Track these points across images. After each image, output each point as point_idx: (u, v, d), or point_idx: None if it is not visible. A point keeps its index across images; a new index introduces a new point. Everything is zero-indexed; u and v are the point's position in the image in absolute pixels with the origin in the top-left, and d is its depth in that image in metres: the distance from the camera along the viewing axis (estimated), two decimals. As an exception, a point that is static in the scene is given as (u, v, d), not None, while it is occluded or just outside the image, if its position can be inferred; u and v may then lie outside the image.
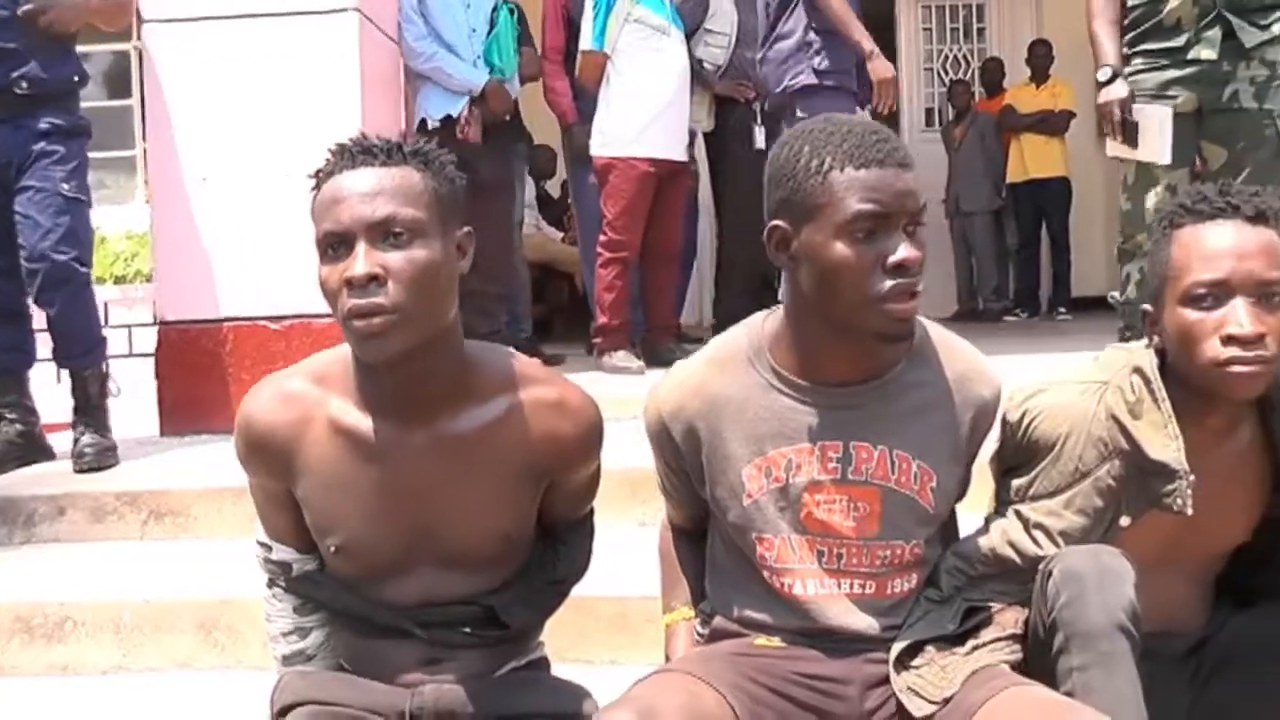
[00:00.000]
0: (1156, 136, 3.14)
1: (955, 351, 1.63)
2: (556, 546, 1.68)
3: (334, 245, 1.44)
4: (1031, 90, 7.51)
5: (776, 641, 1.61)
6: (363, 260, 1.41)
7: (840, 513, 1.58)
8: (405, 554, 1.57)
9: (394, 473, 1.54)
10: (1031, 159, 7.47)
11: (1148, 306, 1.61)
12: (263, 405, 1.59)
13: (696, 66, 4.63)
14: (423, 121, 4.33)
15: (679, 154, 4.20)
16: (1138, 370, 1.59)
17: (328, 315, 1.49)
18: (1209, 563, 1.70)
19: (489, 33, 4.29)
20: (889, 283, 1.44)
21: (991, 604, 1.62)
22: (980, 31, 8.34)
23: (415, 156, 1.49)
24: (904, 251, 1.44)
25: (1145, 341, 1.64)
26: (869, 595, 1.60)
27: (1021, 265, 7.76)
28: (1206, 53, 3.14)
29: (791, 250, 1.51)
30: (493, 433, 1.55)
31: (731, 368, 1.63)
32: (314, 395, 1.57)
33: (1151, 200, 3.22)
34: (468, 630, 1.59)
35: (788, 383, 1.59)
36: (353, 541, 1.57)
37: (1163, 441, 1.54)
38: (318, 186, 1.48)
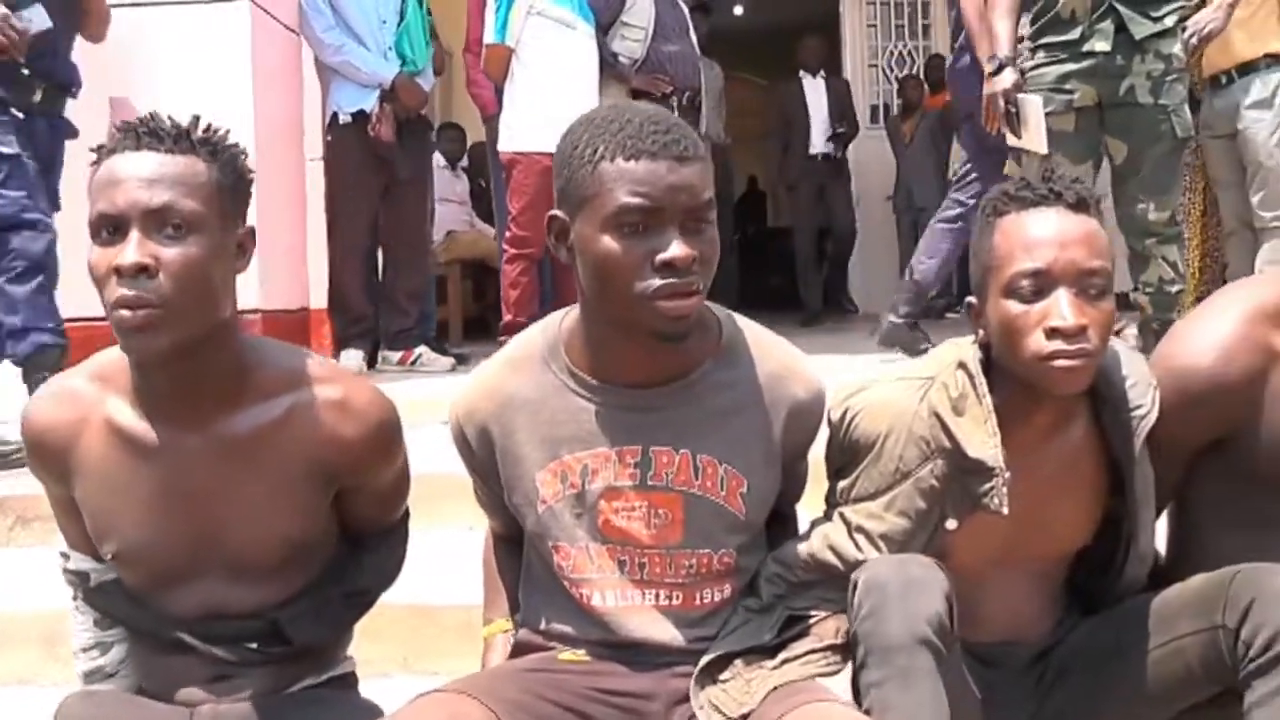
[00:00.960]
0: (1035, 126, 3.10)
1: (768, 350, 1.56)
2: (361, 556, 1.59)
3: (107, 229, 1.35)
4: None
5: (581, 655, 1.54)
6: (134, 249, 1.33)
7: (640, 520, 1.51)
8: (187, 562, 1.48)
9: (170, 475, 1.45)
10: (977, 152, 7.37)
11: (972, 299, 1.54)
12: (41, 405, 1.51)
13: (612, 60, 4.55)
14: (334, 116, 4.23)
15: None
16: (962, 365, 1.52)
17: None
18: (1050, 566, 1.62)
19: (399, 23, 4.19)
20: (658, 281, 1.36)
21: (815, 613, 1.55)
22: (925, 28, 8.30)
23: (204, 145, 1.41)
24: (675, 249, 1.36)
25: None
26: (676, 606, 1.53)
27: (965, 261, 7.69)
28: (1100, 45, 3.11)
29: (568, 242, 1.44)
30: (273, 433, 1.46)
31: (527, 368, 1.55)
32: (92, 394, 1.48)
33: None
34: (254, 646, 1.51)
35: (583, 383, 1.51)
36: (129, 548, 1.48)
37: (981, 438, 1.47)
38: (97, 163, 1.39)
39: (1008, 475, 1.45)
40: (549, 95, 4.06)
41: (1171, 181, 3.22)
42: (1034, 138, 3.15)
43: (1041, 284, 1.43)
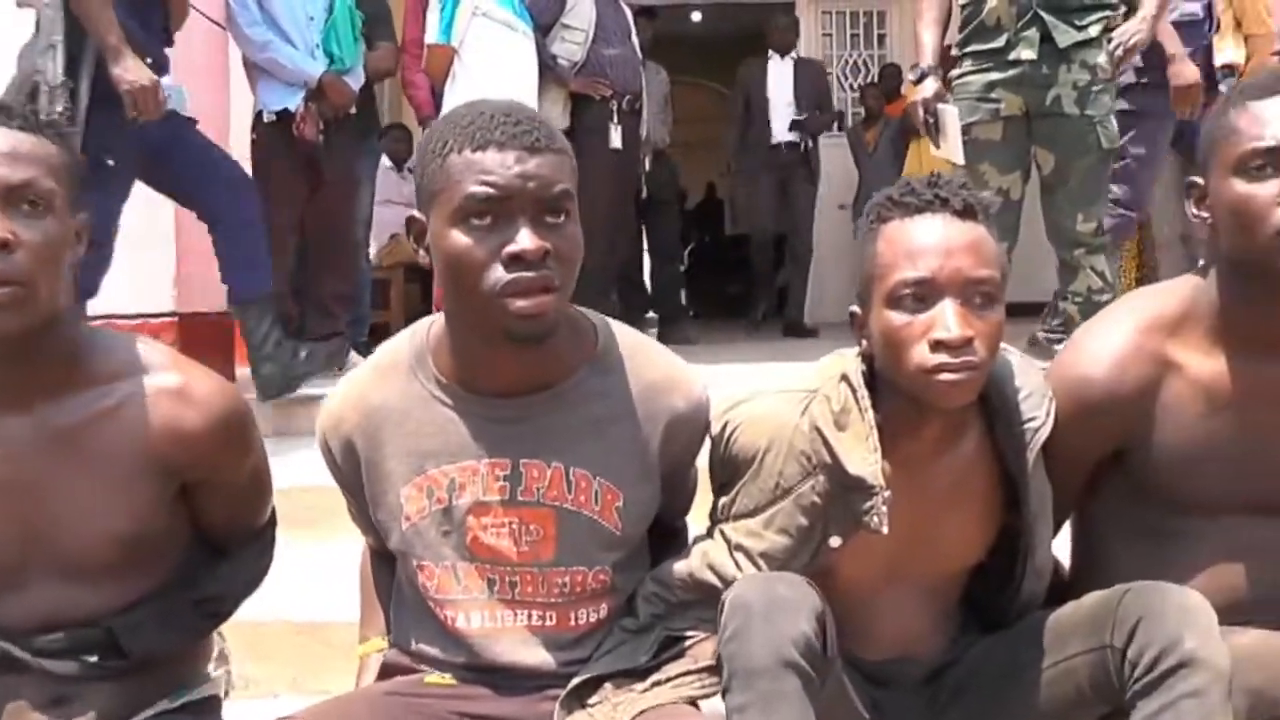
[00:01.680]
0: (953, 137, 3.09)
1: (647, 359, 1.50)
2: (217, 562, 1.51)
3: None
4: None
5: (448, 679, 1.48)
6: None
7: (510, 537, 1.45)
8: (18, 563, 1.39)
9: None
10: (929, 159, 7.33)
11: (855, 309, 1.48)
12: None
13: (551, 63, 4.48)
14: (259, 114, 4.13)
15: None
16: (844, 377, 1.46)
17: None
18: (942, 583, 1.57)
19: (327, 21, 4.10)
20: (508, 276, 1.30)
21: (693, 633, 1.49)
22: (881, 38, 8.28)
23: (49, 127, 1.37)
24: (524, 241, 1.30)
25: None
26: (550, 627, 1.47)
27: None
28: (1026, 53, 3.09)
29: (426, 243, 1.38)
30: (104, 423, 1.38)
31: (393, 376, 1.48)
32: None
33: None
34: (93, 660, 1.41)
35: (450, 393, 1.45)
36: None
37: (862, 455, 1.41)
38: None
39: (888, 494, 1.40)
40: (488, 97, 3.99)
41: (1099, 192, 3.20)
42: (952, 148, 3.14)
43: (926, 294, 1.37)
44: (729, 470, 1.53)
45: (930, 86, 3.18)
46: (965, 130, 3.14)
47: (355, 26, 4.18)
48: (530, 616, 1.46)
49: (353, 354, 4.31)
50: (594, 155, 4.56)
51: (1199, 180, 1.51)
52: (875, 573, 1.50)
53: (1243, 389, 1.48)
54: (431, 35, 4.12)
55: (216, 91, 4.12)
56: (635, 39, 4.80)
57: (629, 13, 4.82)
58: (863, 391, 1.43)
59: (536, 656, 1.46)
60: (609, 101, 4.56)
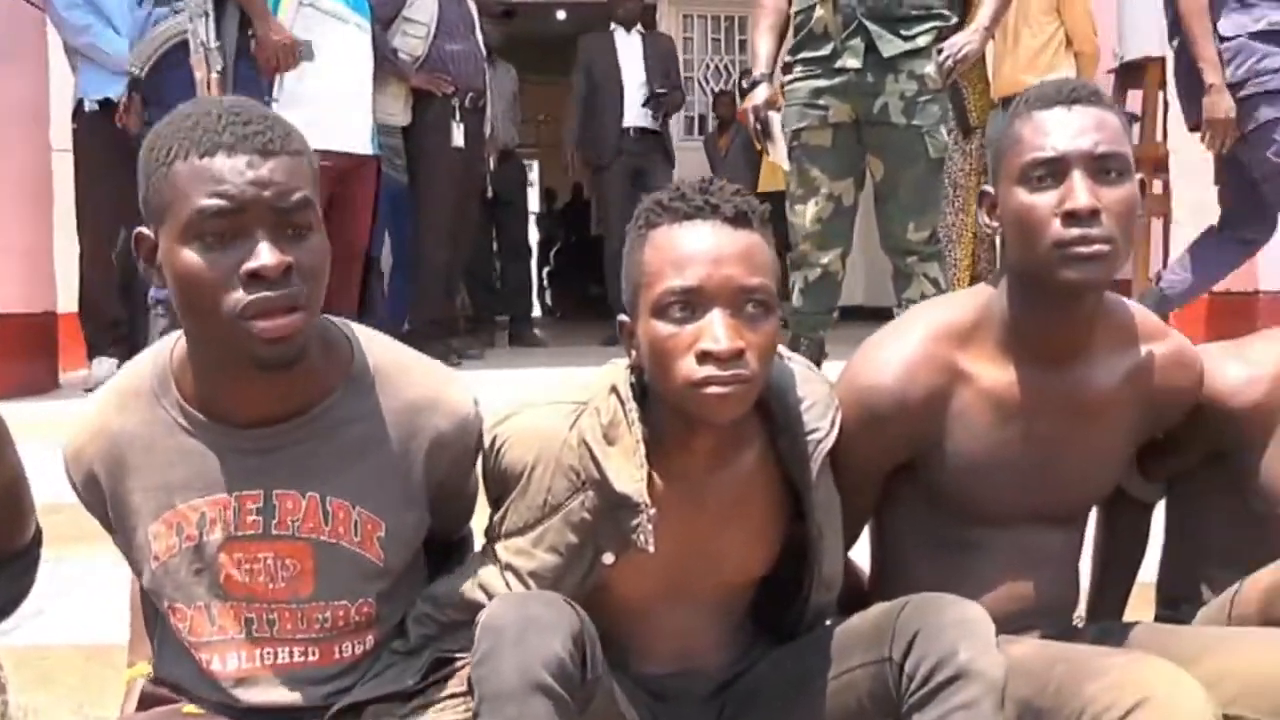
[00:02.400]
0: (781, 143, 3.12)
1: (406, 379, 1.42)
2: None
3: None
4: None
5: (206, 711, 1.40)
6: None
7: (265, 573, 1.38)
8: None
9: None
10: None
11: (624, 317, 1.43)
12: None
13: (392, 57, 4.38)
14: (80, 102, 3.94)
15: (359, 147, 3.93)
16: (614, 389, 1.41)
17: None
18: (728, 596, 1.54)
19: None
20: (248, 297, 1.21)
21: (465, 655, 1.42)
22: (743, 43, 8.34)
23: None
24: (263, 257, 1.21)
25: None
26: (312, 663, 1.40)
27: None
28: (851, 62, 3.10)
29: (157, 262, 1.27)
30: None
31: (134, 402, 1.38)
32: None
33: (811, 210, 3.15)
34: None
35: (195, 421, 1.36)
36: None
37: (629, 471, 1.37)
38: None
39: (653, 512, 1.36)
40: (319, 92, 3.87)
41: (930, 201, 3.22)
42: (780, 154, 3.16)
43: (694, 303, 1.33)
44: (499, 486, 1.48)
45: (762, 93, 3.18)
46: (795, 136, 3.15)
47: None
48: (291, 654, 1.40)
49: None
50: (436, 153, 4.48)
51: (989, 189, 1.52)
52: (654, 588, 1.47)
53: (1031, 399, 1.50)
54: (266, 26, 3.97)
55: (32, 77, 3.91)
56: (479, 35, 4.72)
57: (473, 8, 4.74)
58: (631, 404, 1.39)
59: (296, 694, 1.39)
60: (451, 98, 4.48)
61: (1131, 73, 4.78)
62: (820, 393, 1.48)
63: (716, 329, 1.31)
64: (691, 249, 1.34)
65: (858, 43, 3.09)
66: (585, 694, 1.28)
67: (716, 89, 8.13)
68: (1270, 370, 1.60)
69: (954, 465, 1.51)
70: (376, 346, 1.42)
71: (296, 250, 1.23)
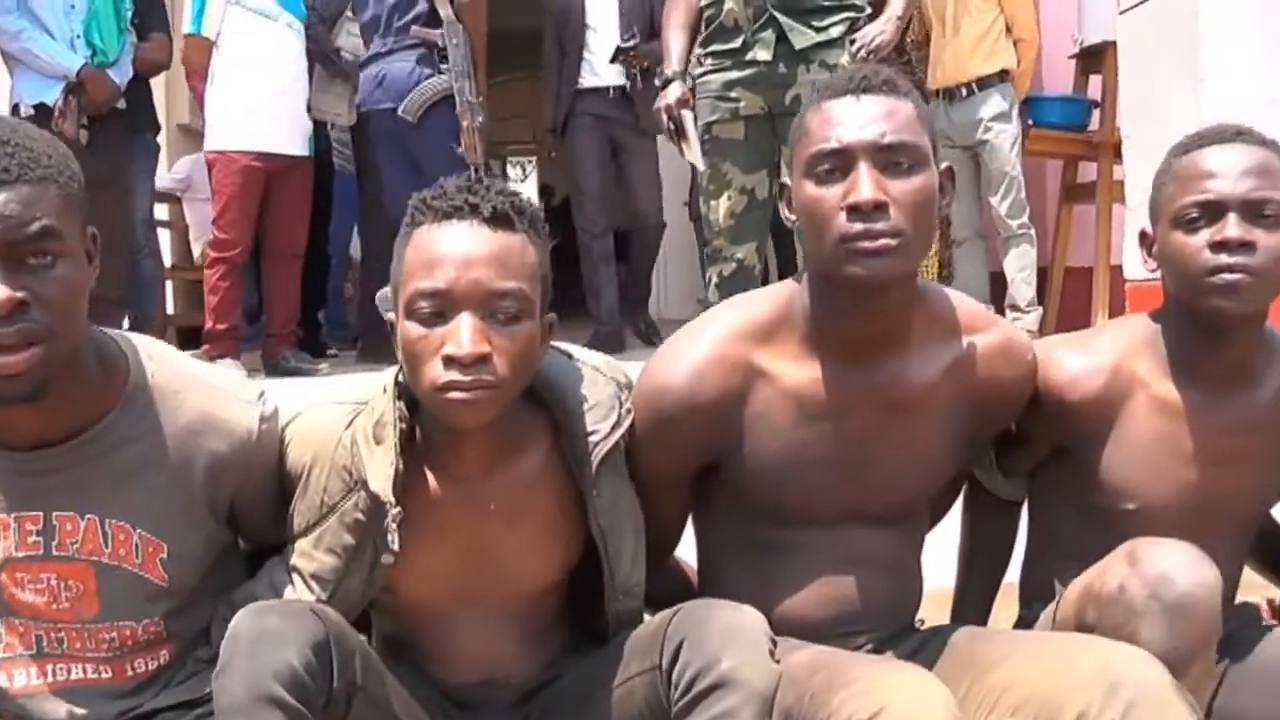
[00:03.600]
0: (695, 140, 3.08)
1: (182, 399, 1.40)
2: None
3: None
4: None
5: None
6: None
7: (49, 594, 1.36)
8: None
9: None
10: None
11: (392, 315, 1.40)
12: None
13: (336, 57, 4.36)
14: (15, 108, 3.94)
15: (293, 148, 3.92)
16: (386, 388, 1.39)
17: None
18: (526, 603, 1.50)
19: (88, 10, 3.91)
20: None
21: None
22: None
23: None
24: None
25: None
26: (105, 680, 1.40)
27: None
28: (762, 54, 3.06)
29: None
30: None
31: None
32: None
33: (724, 204, 3.11)
34: None
35: None
36: None
37: (383, 471, 1.35)
38: None
39: (397, 511, 1.34)
40: (247, 91, 3.86)
41: None
42: (694, 153, 3.11)
43: (443, 307, 1.30)
44: (290, 486, 1.46)
45: (674, 92, 3.13)
46: (707, 129, 3.11)
47: (121, 16, 4.01)
48: (84, 670, 1.39)
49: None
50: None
51: (787, 182, 1.48)
52: (443, 592, 1.45)
53: (837, 397, 1.45)
54: (185, 26, 3.99)
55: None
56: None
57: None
58: (396, 404, 1.37)
59: (90, 711, 1.38)
60: (394, 98, 4.44)
61: (1091, 58, 4.69)
62: (604, 394, 1.44)
63: (461, 333, 1.29)
64: (443, 250, 1.32)
65: (769, 34, 3.05)
66: (334, 704, 1.26)
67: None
68: (1109, 361, 1.55)
69: (758, 466, 1.46)
70: (157, 364, 1.39)
71: (36, 282, 1.21)
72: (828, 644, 1.45)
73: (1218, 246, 1.46)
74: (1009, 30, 4.34)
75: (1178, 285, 1.53)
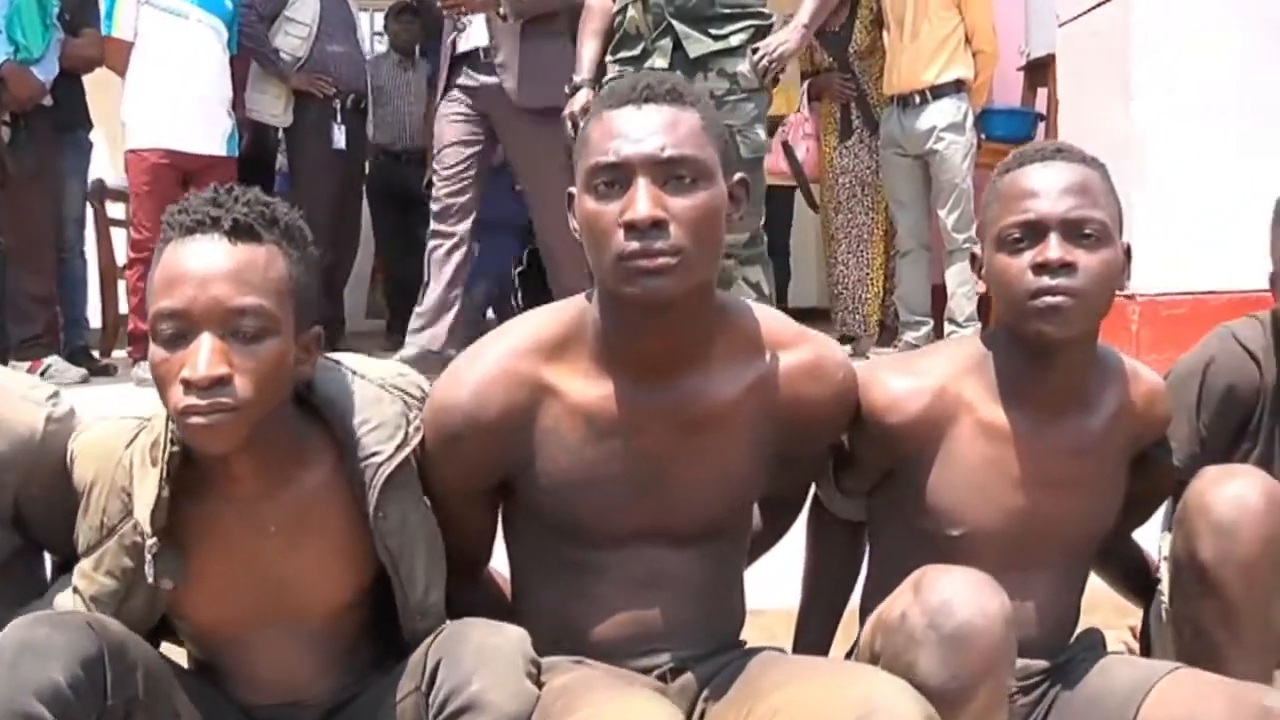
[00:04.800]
0: None
1: None
2: None
3: None
4: None
5: None
6: None
7: None
8: None
9: None
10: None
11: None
12: None
13: (273, 57, 4.33)
14: (-67, 104, 3.90)
15: (210, 147, 3.88)
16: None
17: None
18: (323, 622, 1.45)
19: (9, 6, 3.86)
20: None
21: None
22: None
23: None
24: None
25: None
26: None
27: None
28: (659, 62, 3.03)
29: None
30: None
31: None
32: None
33: None
34: None
35: None
36: None
37: (148, 498, 1.30)
38: None
39: (153, 544, 1.30)
40: (158, 89, 3.82)
41: (753, 202, 3.12)
42: None
43: (183, 327, 1.26)
44: (77, 499, 1.41)
45: (580, 100, 3.11)
46: None
47: (46, 12, 3.96)
48: None
49: (55, 359, 4.11)
50: (316, 154, 4.43)
51: (573, 191, 1.42)
52: (234, 616, 1.40)
53: (630, 414, 1.39)
54: (103, 27, 3.95)
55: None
56: (360, 35, 4.66)
57: (354, 9, 4.67)
58: (169, 425, 1.32)
59: None
60: (332, 100, 4.41)
61: (1038, 71, 4.66)
62: (388, 412, 1.39)
63: (196, 356, 1.24)
64: (182, 268, 1.27)
65: (666, 43, 3.03)
66: None
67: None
68: (933, 383, 1.50)
69: (549, 484, 1.41)
70: None
71: None
72: (629, 664, 1.41)
73: (1039, 268, 1.41)
74: (969, 40, 4.28)
75: (1002, 308, 1.48)
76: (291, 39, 4.37)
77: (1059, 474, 1.50)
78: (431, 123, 5.71)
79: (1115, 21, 3.65)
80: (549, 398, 1.40)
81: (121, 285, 5.33)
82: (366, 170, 5.03)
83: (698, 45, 2.99)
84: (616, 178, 1.31)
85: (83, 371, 4.11)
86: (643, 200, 1.28)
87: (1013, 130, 4.70)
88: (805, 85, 4.99)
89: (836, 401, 1.47)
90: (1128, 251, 1.51)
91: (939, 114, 4.27)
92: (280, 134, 4.69)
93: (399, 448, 1.37)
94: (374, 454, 1.36)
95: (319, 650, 1.45)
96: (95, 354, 4.44)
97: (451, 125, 3.63)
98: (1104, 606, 1.86)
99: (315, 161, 4.41)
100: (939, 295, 4.47)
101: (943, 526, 1.50)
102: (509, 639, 1.27)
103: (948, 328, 4.28)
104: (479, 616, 1.54)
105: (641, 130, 1.31)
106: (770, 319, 1.47)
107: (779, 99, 6.16)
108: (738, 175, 1.40)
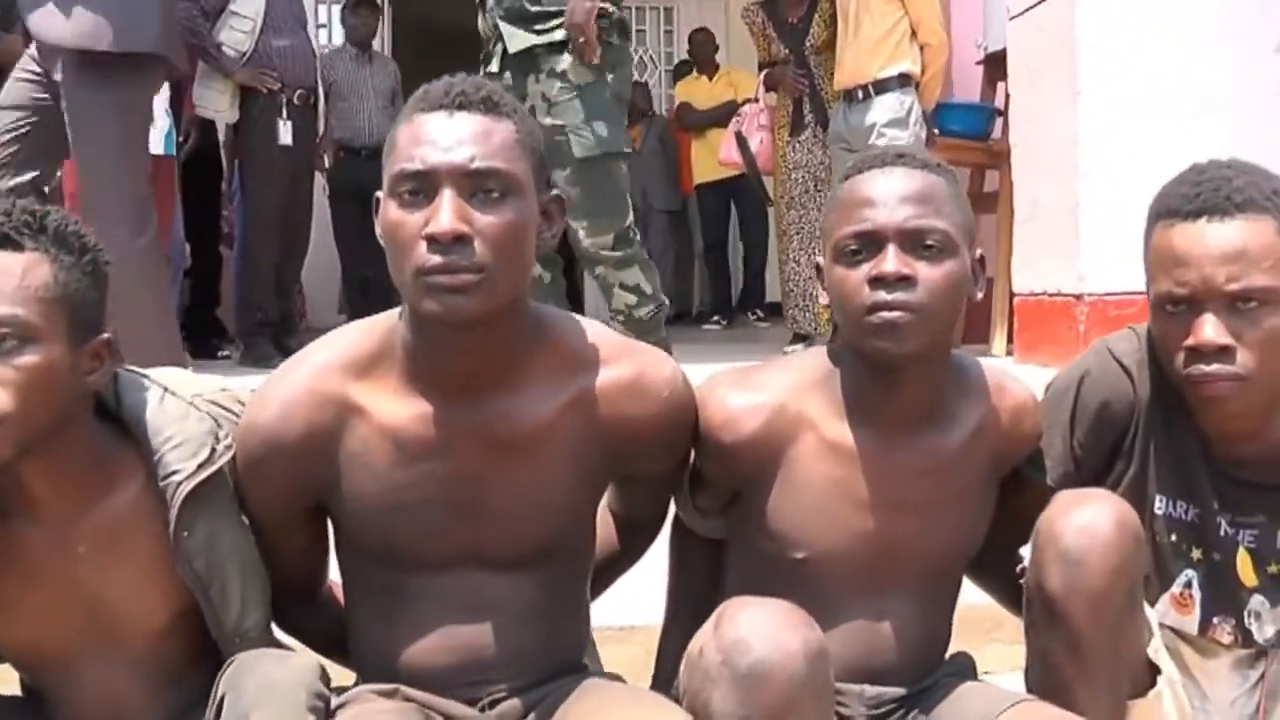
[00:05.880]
0: None
1: None
2: None
3: None
4: (705, 84, 7.13)
5: None
6: None
7: None
8: None
9: None
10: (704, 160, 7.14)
11: None
12: None
13: (216, 52, 4.28)
14: None
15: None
16: None
17: None
18: (137, 649, 1.42)
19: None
20: None
21: None
22: (667, 35, 8.17)
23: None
24: None
25: None
26: None
27: (713, 268, 7.38)
28: (493, 66, 3.03)
29: None
30: None
31: None
32: None
33: None
34: None
35: None
36: None
37: None
38: None
39: None
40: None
41: (596, 203, 3.02)
42: None
43: None
44: None
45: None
46: None
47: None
48: None
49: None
50: (262, 151, 4.38)
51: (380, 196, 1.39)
52: (50, 639, 1.38)
53: (439, 435, 1.35)
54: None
55: None
56: (310, 29, 4.61)
57: (303, 2, 4.62)
58: None
59: None
60: (278, 95, 4.36)
61: (996, 64, 4.58)
62: (195, 430, 1.36)
63: None
64: None
65: (498, 46, 3.01)
66: None
67: (641, 80, 7.92)
68: (772, 400, 1.45)
69: (360, 508, 1.37)
70: None
71: None
72: (451, 693, 1.38)
73: (875, 282, 1.35)
74: (914, 34, 4.22)
75: (841, 323, 1.42)
76: (235, 33, 4.31)
77: (911, 494, 1.45)
78: (391, 119, 5.77)
79: (1061, 16, 3.60)
80: (356, 418, 1.35)
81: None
82: (327, 167, 4.99)
83: (515, 40, 2.95)
84: (421, 187, 1.26)
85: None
86: (446, 213, 1.23)
87: (969, 125, 4.65)
88: (761, 75, 4.96)
89: (663, 419, 1.41)
90: (981, 261, 1.46)
91: (881, 109, 4.23)
92: (229, 130, 4.66)
93: (202, 466, 1.34)
94: (175, 472, 1.33)
95: (145, 675, 1.42)
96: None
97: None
98: (1010, 623, 1.81)
99: (261, 158, 4.36)
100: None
101: (786, 549, 1.45)
102: (292, 672, 1.24)
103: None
104: (317, 638, 1.54)
105: (451, 139, 1.26)
106: (595, 334, 1.42)
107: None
108: (553, 192, 1.36)
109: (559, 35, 2.94)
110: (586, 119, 2.97)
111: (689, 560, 1.64)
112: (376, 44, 5.83)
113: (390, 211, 1.28)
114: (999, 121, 4.68)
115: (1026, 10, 3.82)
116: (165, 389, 1.38)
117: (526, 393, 1.36)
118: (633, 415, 1.39)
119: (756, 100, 4.87)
